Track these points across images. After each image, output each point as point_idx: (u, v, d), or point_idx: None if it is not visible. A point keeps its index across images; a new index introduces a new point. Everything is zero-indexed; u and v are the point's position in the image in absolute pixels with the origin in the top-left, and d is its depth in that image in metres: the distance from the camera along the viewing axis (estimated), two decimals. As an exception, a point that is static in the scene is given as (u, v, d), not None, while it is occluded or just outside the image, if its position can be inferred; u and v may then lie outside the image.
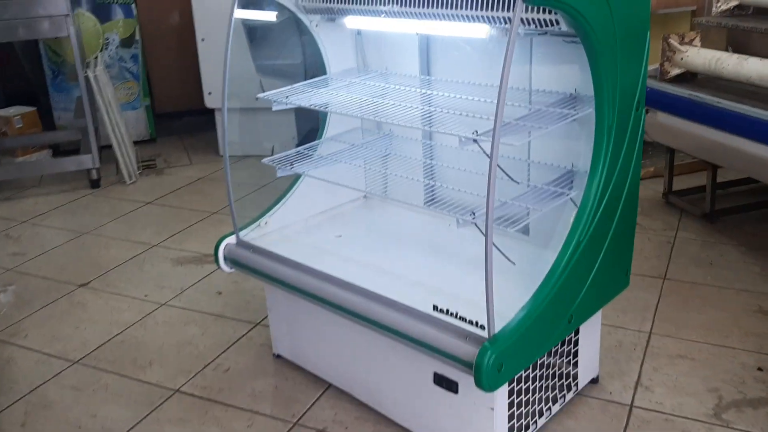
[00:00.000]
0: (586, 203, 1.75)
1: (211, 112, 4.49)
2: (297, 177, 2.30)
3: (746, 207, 3.31)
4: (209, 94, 4.32)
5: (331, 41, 2.27)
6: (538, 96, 1.92)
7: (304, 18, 2.19)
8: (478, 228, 1.68)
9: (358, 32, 2.30)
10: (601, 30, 1.61)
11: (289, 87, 2.16)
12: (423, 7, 1.77)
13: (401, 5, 1.82)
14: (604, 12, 1.61)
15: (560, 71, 1.89)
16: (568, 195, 1.81)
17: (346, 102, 2.06)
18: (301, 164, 2.19)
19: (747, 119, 2.65)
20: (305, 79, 2.27)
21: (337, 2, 1.96)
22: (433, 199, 2.33)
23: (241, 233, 2.20)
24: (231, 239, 2.20)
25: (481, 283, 1.55)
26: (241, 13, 2.07)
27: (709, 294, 2.64)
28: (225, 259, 2.18)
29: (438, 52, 2.20)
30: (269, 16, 2.20)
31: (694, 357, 2.26)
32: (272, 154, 2.20)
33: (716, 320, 2.47)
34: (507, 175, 1.90)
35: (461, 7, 1.71)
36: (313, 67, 2.36)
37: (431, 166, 2.29)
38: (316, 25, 2.22)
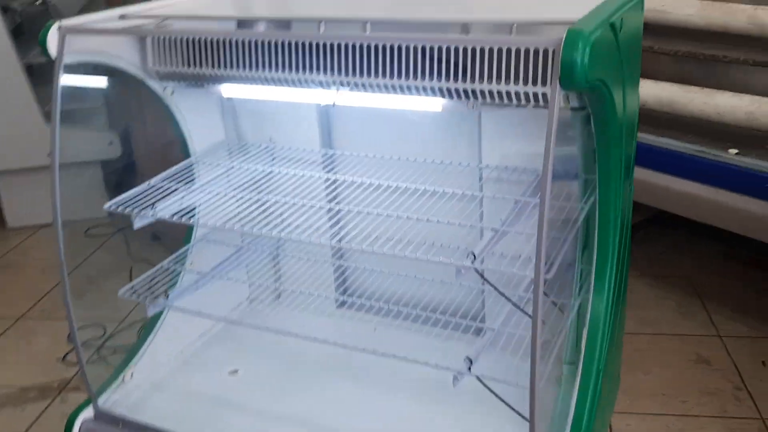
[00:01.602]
0: (597, 320, 1.34)
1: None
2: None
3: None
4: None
5: (194, 110, 1.66)
6: (506, 174, 1.48)
7: (155, 84, 1.56)
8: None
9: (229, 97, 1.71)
10: (617, 98, 1.20)
11: (145, 185, 1.52)
12: (351, 75, 1.26)
13: (317, 71, 1.29)
14: (619, 77, 1.20)
15: (523, 144, 1.46)
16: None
17: (224, 209, 1.47)
18: (175, 292, 1.57)
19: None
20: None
21: (214, 66, 1.37)
22: (346, 294, 1.82)
23: (100, 399, 1.53)
24: (87, 412, 1.52)
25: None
26: (69, 80, 1.40)
27: (642, 344, 2.38)
28: (83, 443, 1.51)
29: (343, 117, 1.68)
30: (104, 82, 1.56)
31: (664, 438, 1.98)
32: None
33: (665, 381, 2.20)
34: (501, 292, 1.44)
35: (414, 78, 1.21)
36: (168, 142, 1.74)
37: (340, 253, 1.78)
38: (172, 93, 1.60)
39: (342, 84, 1.31)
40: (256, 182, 1.56)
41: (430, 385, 1.53)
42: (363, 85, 1.30)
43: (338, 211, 1.44)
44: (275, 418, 1.52)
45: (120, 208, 1.42)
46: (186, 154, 1.69)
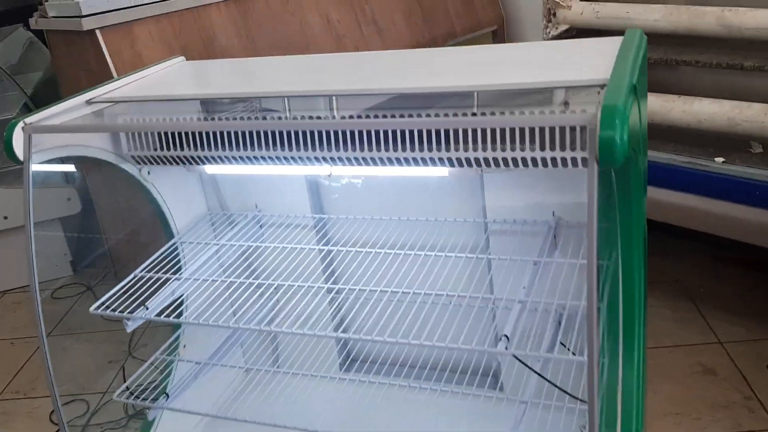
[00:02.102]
0: (630, 383, 1.27)
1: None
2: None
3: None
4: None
5: (172, 186, 1.55)
6: (514, 227, 1.41)
7: (129, 167, 1.44)
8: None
9: (209, 167, 1.60)
10: (641, 155, 1.14)
11: (131, 277, 1.41)
12: (351, 150, 1.17)
13: (310, 149, 1.20)
14: (641, 134, 1.13)
15: (530, 195, 1.39)
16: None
17: (216, 300, 1.37)
18: (172, 388, 1.46)
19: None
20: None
21: (195, 149, 1.27)
22: (350, 360, 1.73)
23: None
24: None
25: None
26: (42, 167, 1.27)
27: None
28: None
29: (334, 180, 1.58)
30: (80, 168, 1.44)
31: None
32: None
33: (675, 397, 2.17)
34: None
35: (420, 150, 1.13)
36: (142, 219, 1.62)
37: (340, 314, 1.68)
38: (148, 173, 1.48)
39: (337, 160, 1.22)
40: (247, 260, 1.46)
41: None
42: (362, 159, 1.21)
43: (338, 291, 1.35)
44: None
45: (108, 311, 1.31)
46: (166, 228, 1.58)
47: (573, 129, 1.00)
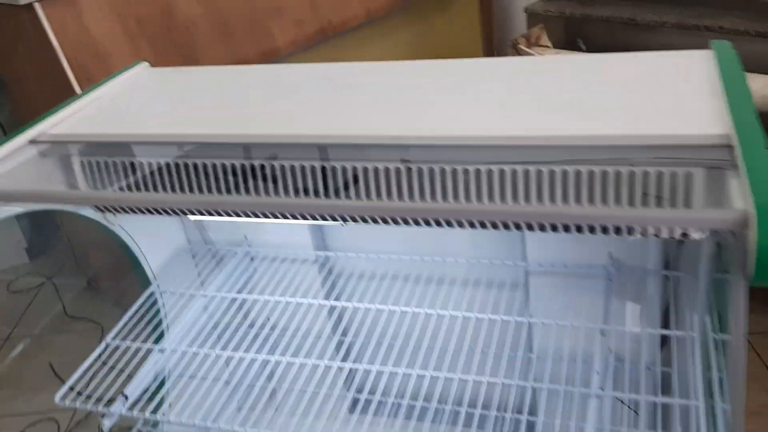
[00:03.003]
0: None
1: None
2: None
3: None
4: None
5: (143, 224, 1.28)
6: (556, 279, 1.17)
7: (91, 213, 1.17)
8: None
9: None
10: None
11: (102, 347, 1.15)
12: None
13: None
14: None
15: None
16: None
17: (203, 392, 1.12)
18: None
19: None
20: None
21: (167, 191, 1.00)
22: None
23: None
24: None
25: None
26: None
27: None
28: None
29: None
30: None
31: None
32: None
33: None
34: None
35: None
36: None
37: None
38: (114, 215, 1.21)
39: (357, 217, 0.96)
40: (240, 324, 1.21)
41: None
42: (390, 219, 0.96)
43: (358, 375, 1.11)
44: None
45: (78, 403, 1.05)
46: (140, 273, 1.31)
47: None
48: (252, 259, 1.35)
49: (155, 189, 1.03)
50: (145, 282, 1.30)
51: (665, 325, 1.11)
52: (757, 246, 0.62)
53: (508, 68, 1.03)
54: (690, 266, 1.09)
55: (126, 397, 1.06)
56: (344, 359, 1.26)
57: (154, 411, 1.35)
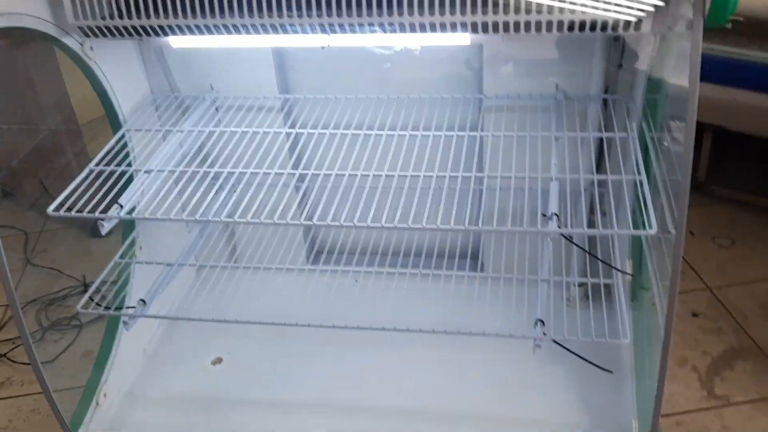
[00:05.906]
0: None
1: None
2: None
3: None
4: None
5: (116, 65, 1.31)
6: (511, 102, 1.32)
7: (71, 42, 1.19)
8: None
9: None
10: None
11: (86, 172, 1.19)
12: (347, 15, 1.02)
13: (299, 13, 1.03)
14: None
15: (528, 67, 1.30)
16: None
17: (169, 197, 1.19)
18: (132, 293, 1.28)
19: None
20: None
21: (157, 16, 1.06)
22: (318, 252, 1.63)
23: (81, 434, 1.26)
24: (67, 455, 1.25)
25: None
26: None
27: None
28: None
29: (303, 52, 1.40)
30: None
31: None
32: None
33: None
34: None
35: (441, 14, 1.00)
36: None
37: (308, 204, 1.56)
38: (91, 48, 1.23)
39: (337, 27, 1.06)
40: (203, 149, 1.29)
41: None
42: (368, 26, 1.06)
43: (308, 179, 1.20)
44: (285, 403, 1.33)
45: (73, 212, 1.10)
46: (112, 115, 1.34)
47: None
48: (216, 105, 1.41)
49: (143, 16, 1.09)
50: (115, 124, 1.34)
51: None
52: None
53: None
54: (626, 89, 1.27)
55: (121, 206, 1.11)
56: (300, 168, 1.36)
57: (128, 256, 1.40)
